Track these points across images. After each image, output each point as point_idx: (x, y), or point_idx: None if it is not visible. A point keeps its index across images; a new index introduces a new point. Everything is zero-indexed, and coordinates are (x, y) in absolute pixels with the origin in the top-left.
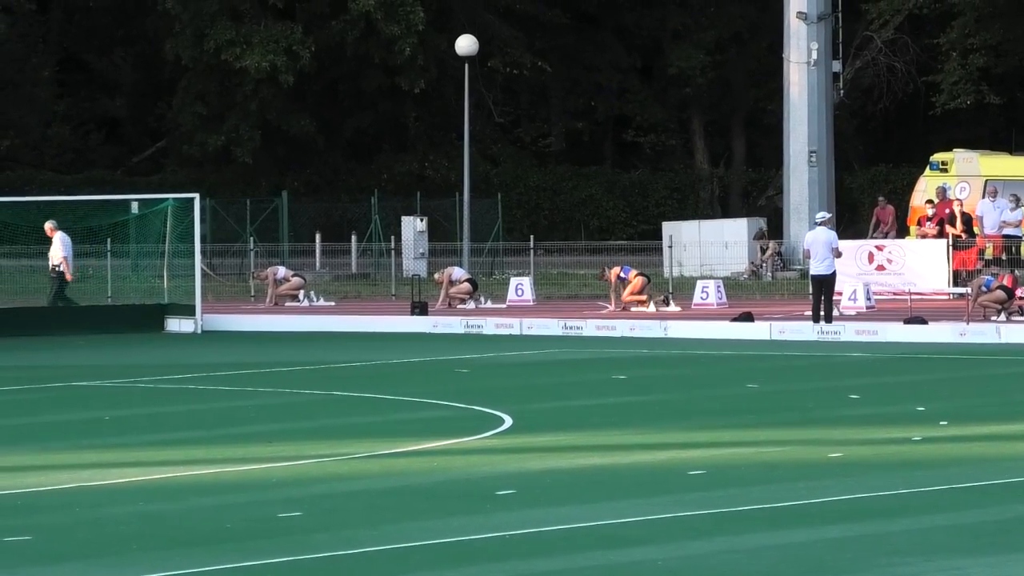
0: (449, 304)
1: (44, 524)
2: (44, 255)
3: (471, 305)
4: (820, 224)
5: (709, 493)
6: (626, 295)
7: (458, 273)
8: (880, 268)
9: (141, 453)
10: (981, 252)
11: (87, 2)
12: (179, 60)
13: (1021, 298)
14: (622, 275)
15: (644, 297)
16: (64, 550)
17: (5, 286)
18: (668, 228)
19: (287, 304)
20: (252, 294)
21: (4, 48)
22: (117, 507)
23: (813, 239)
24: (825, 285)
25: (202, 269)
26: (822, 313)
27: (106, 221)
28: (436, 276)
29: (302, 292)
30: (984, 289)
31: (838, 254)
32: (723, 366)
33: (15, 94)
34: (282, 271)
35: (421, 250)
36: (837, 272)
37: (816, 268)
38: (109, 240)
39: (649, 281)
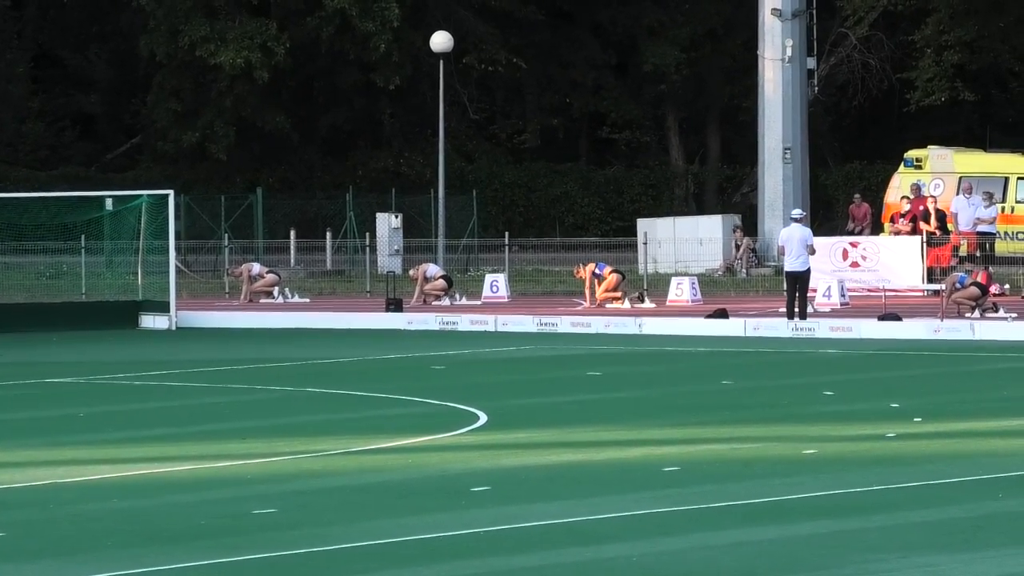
0: (424, 301)
1: (19, 520)
2: (18, 252)
3: (446, 302)
4: (795, 221)
5: (684, 489)
6: (601, 292)
7: (433, 270)
8: (855, 265)
9: (116, 450)
10: (955, 249)
11: None
12: (154, 56)
13: (995, 295)
14: (597, 271)
15: (619, 294)
16: (39, 546)
17: None
18: (643, 225)
19: (262, 301)
20: (227, 291)
21: None
22: (92, 503)
23: (788, 236)
24: (800, 281)
25: (176, 266)
26: (796, 309)
27: (80, 218)
28: (411, 272)
29: (276, 289)
30: (959, 286)
31: (812, 251)
32: (698, 363)
33: None
34: (257, 267)
35: (396, 247)
36: (812, 269)
37: (791, 265)
38: (84, 237)
39: (624, 277)
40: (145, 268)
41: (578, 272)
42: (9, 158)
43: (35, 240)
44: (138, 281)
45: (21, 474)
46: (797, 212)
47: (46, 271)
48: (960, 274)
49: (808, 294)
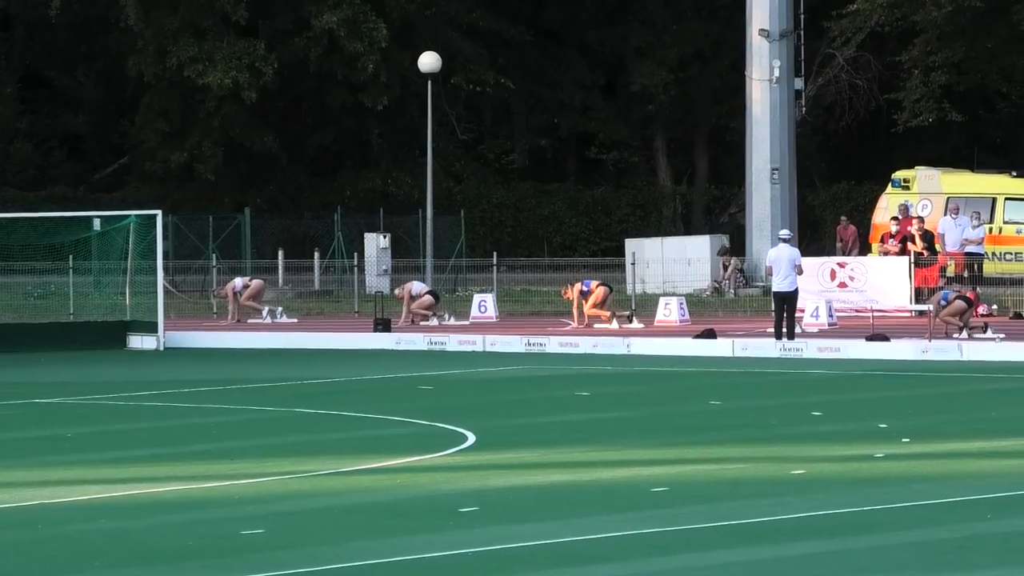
0: (412, 321)
1: (7, 541)
2: (6, 272)
3: (434, 322)
4: (783, 241)
5: (672, 510)
6: (589, 307)
7: (418, 287)
8: (842, 285)
9: (104, 470)
10: (943, 270)
11: (50, 19)
12: (142, 77)
13: (983, 315)
14: (584, 289)
15: (607, 313)
16: (27, 567)
17: None
18: (631, 245)
19: (250, 321)
20: (215, 311)
21: None
22: (80, 524)
23: (776, 256)
24: (787, 302)
25: (164, 286)
26: (784, 330)
27: (68, 238)
28: (396, 292)
29: (266, 309)
30: (943, 303)
31: (800, 271)
32: (686, 383)
33: None
34: (239, 282)
35: (384, 267)
36: (800, 289)
37: (778, 285)
38: (71, 257)
39: (611, 291)
40: (133, 288)
41: (566, 293)
42: None
43: (23, 260)
44: (126, 301)
45: (9, 494)
46: (785, 232)
47: (34, 291)
48: (944, 291)
49: (796, 314)
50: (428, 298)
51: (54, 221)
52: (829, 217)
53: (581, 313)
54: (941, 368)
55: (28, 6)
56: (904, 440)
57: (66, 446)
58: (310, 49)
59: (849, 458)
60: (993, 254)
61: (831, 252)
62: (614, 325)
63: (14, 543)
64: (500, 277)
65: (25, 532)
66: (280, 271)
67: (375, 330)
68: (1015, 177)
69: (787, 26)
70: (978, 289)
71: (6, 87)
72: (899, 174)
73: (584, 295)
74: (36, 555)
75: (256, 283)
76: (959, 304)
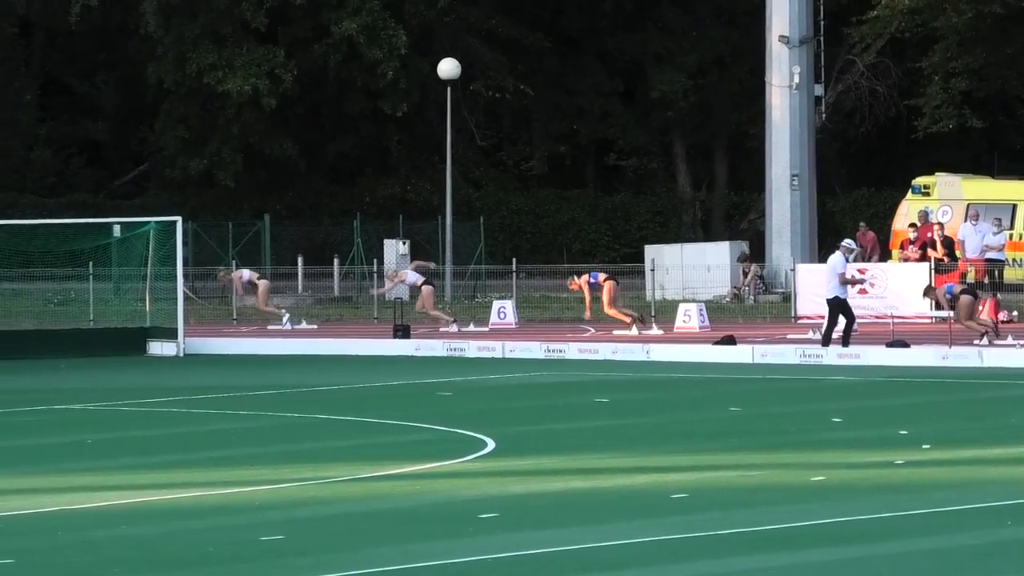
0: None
1: (26, 547)
2: (26, 278)
3: (453, 328)
4: (838, 249)
5: (691, 517)
6: (608, 308)
7: (412, 277)
8: (862, 292)
9: (123, 476)
10: (963, 276)
11: (69, 26)
12: (161, 84)
13: (1003, 322)
14: (591, 281)
15: (628, 319)
16: (47, 574)
17: None
18: (650, 251)
19: (270, 327)
20: (234, 317)
21: None
22: (100, 530)
23: (827, 264)
24: (828, 309)
25: (184, 292)
26: (835, 336)
27: (88, 244)
28: (388, 273)
29: (286, 317)
30: (948, 296)
31: (843, 279)
32: (705, 389)
33: None
34: (247, 273)
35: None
36: (837, 297)
37: (824, 292)
38: (91, 263)
39: (618, 283)
40: (153, 295)
41: (572, 284)
42: (17, 185)
43: (43, 267)
44: (146, 308)
45: (29, 501)
46: (846, 242)
47: (54, 297)
48: (946, 284)
49: (835, 322)
50: (428, 288)
51: (74, 227)
52: (849, 223)
53: (593, 301)
54: (961, 375)
55: (48, 13)
56: (924, 446)
57: (86, 452)
58: (329, 56)
59: (869, 465)
60: (1014, 260)
61: (853, 258)
62: (634, 331)
63: (33, 550)
64: (519, 283)
65: (44, 539)
66: (299, 277)
67: (394, 336)
68: None
69: (807, 32)
70: (998, 296)
71: (26, 94)
72: (919, 180)
73: (592, 287)
74: (55, 562)
75: (263, 283)
76: (966, 299)
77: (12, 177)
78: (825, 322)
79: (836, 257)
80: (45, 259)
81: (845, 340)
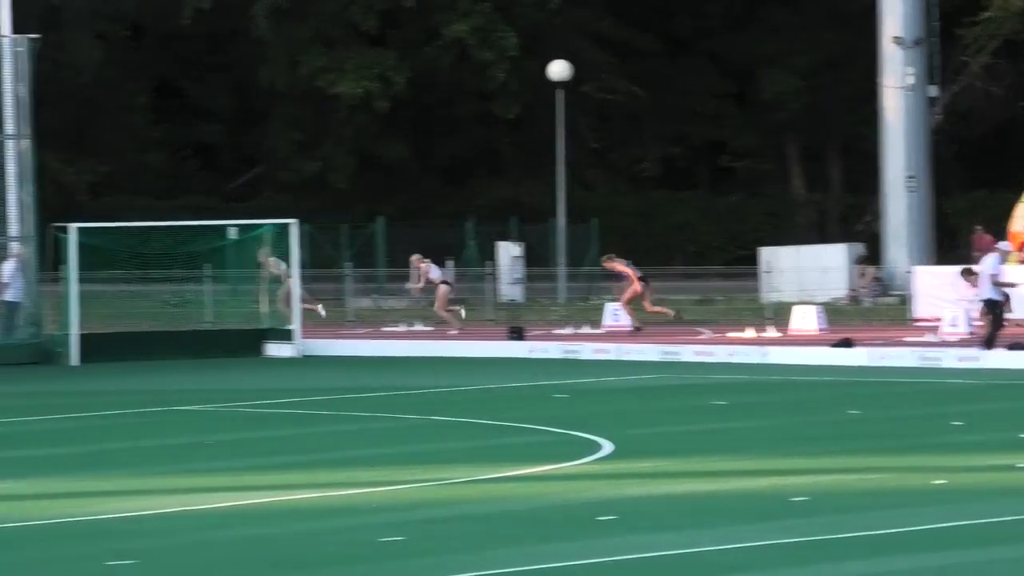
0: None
1: (146, 548)
2: (143, 280)
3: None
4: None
5: (811, 520)
6: (648, 305)
7: (435, 273)
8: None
9: (243, 477)
10: None
11: (181, 29)
12: (273, 87)
13: None
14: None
15: (669, 313)
16: (168, 574)
17: (104, 311)
18: (765, 253)
19: (383, 329)
20: (351, 318)
21: (100, 75)
22: (219, 531)
23: (981, 266)
24: (987, 310)
25: (301, 295)
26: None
27: (204, 247)
28: (413, 258)
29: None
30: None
31: (995, 282)
32: (823, 392)
33: (111, 121)
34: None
35: (517, 275)
36: (991, 298)
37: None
38: (208, 265)
39: (647, 285)
40: (269, 297)
41: (610, 264)
42: (132, 188)
43: (159, 268)
44: (262, 309)
45: (150, 501)
46: (1001, 244)
47: (171, 299)
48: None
49: (996, 323)
50: (444, 288)
51: (190, 230)
52: (966, 225)
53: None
54: None
55: (160, 17)
56: None
57: (205, 453)
58: (441, 58)
59: (990, 468)
60: None
61: (969, 260)
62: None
63: (153, 550)
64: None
65: (164, 539)
66: (413, 279)
67: (509, 338)
68: None
69: (920, 33)
70: None
71: (139, 97)
72: None
73: (625, 277)
74: (176, 562)
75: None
76: None
77: (127, 180)
78: (988, 324)
79: (991, 259)
80: (161, 261)
81: (989, 342)
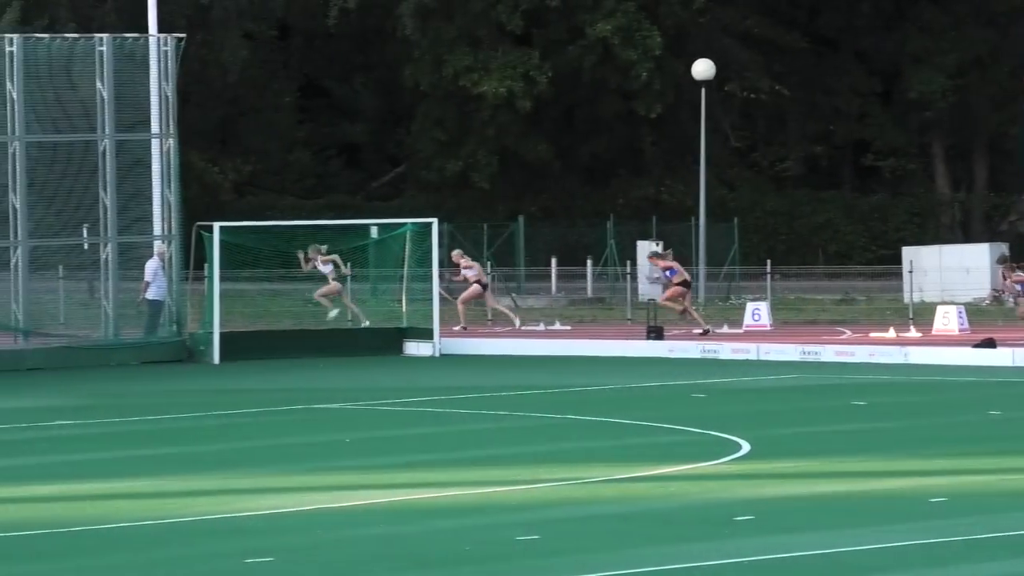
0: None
1: (286, 545)
2: (286, 279)
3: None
4: None
5: (951, 521)
6: (663, 298)
7: (473, 272)
8: None
9: (380, 475)
10: None
11: (327, 29)
12: (417, 86)
13: None
14: (668, 274)
15: (686, 308)
16: (306, 571)
17: (248, 309)
18: (908, 253)
19: (522, 327)
20: (489, 318)
21: (246, 74)
22: (357, 529)
23: None
24: None
25: (440, 293)
26: None
27: (346, 246)
28: (454, 254)
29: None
30: None
31: None
32: (964, 393)
33: (257, 120)
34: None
35: (656, 275)
36: None
37: None
38: (349, 264)
39: (688, 289)
40: (409, 295)
41: (654, 260)
42: (276, 187)
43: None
44: (402, 308)
45: (288, 499)
46: None
47: (312, 298)
48: None
49: None
50: (476, 287)
51: (332, 229)
52: None
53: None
54: None
55: (306, 16)
56: None
57: (344, 451)
58: (584, 58)
59: None
60: None
61: None
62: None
63: (293, 548)
64: (774, 285)
65: (303, 537)
66: (553, 279)
67: (648, 337)
68: None
69: None
70: None
71: (285, 96)
72: None
73: (666, 278)
74: (314, 560)
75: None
76: None
77: (272, 179)
78: None
79: None
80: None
81: None
